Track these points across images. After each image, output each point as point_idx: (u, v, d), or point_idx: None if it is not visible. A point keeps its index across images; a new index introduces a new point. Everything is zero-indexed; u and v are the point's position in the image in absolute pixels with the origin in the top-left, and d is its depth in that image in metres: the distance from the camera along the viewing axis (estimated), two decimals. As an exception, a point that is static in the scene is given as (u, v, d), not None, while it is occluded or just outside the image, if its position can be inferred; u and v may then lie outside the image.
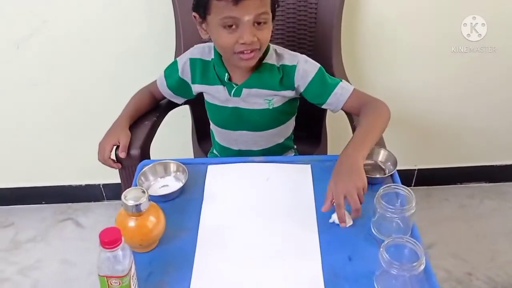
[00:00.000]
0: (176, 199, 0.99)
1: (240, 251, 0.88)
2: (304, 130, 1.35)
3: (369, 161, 1.05)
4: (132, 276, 0.76)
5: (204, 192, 1.00)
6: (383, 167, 1.05)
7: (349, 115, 1.24)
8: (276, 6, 1.08)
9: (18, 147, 1.75)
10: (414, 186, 1.91)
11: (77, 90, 1.63)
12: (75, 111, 1.67)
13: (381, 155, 1.06)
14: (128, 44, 1.54)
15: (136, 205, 0.82)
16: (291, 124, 1.25)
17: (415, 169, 1.88)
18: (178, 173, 1.02)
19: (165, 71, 1.20)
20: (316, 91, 1.12)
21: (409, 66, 1.62)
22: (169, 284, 0.82)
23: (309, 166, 1.06)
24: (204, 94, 1.18)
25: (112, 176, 1.18)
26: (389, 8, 1.50)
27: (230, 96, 1.13)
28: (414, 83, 1.66)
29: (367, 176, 0.99)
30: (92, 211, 1.86)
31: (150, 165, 1.03)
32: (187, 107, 1.42)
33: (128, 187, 0.86)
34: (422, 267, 0.77)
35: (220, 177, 1.04)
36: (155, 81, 1.23)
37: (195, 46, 1.17)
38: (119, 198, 0.83)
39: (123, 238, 0.73)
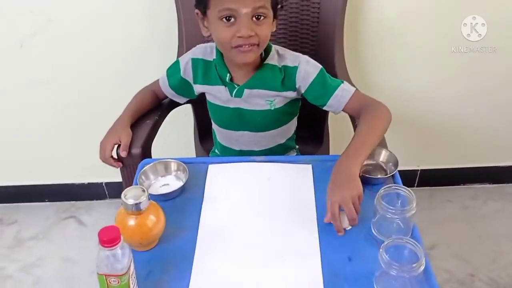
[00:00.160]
0: (177, 198, 0.99)
1: (240, 250, 0.88)
2: (306, 130, 1.35)
3: (371, 161, 1.05)
4: (131, 274, 0.76)
5: (205, 192, 1.00)
6: (384, 167, 1.05)
7: (351, 115, 1.24)
8: (279, 6, 1.08)
9: (22, 145, 1.76)
10: (417, 186, 1.90)
11: (80, 89, 1.63)
12: (79, 110, 1.67)
13: (383, 156, 1.05)
14: (131, 44, 1.54)
15: (136, 204, 0.82)
16: (293, 124, 1.24)
17: (418, 170, 1.87)
18: (178, 172, 1.03)
19: (167, 71, 1.20)
20: (317, 92, 1.11)
21: (412, 66, 1.62)
22: (168, 283, 0.82)
23: (310, 166, 1.06)
24: (206, 94, 1.18)
25: (115, 175, 1.19)
26: (392, 8, 1.49)
27: (232, 96, 1.13)
28: (417, 83, 1.65)
29: (368, 177, 1.00)
30: (95, 209, 1.87)
31: (151, 164, 1.03)
32: (189, 106, 1.42)
33: (130, 186, 0.86)
34: (422, 268, 0.76)
35: (221, 177, 1.04)
36: (158, 80, 1.23)
37: (197, 46, 1.17)
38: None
39: (122, 237, 0.73)
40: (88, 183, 1.87)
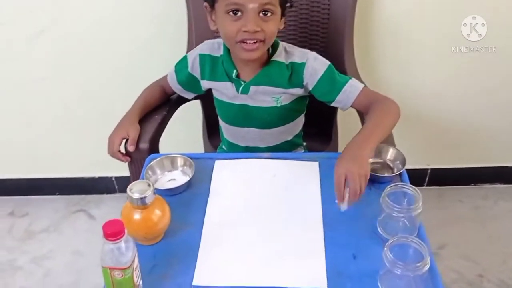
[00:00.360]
0: (183, 193, 0.99)
1: (244, 246, 0.88)
2: (314, 127, 1.34)
3: (378, 160, 1.04)
4: (135, 268, 0.76)
5: (211, 187, 1.00)
6: (392, 165, 1.04)
7: (360, 112, 1.23)
8: (288, 4, 1.07)
9: (33, 140, 1.78)
10: (426, 186, 1.88)
11: (90, 84, 1.64)
12: (89, 105, 1.69)
13: (390, 154, 1.05)
14: (141, 39, 1.55)
15: (141, 198, 0.82)
16: (299, 121, 1.24)
17: (428, 169, 1.86)
18: (185, 167, 1.03)
19: (175, 66, 1.21)
20: (325, 89, 1.11)
21: (423, 63, 1.60)
22: (173, 277, 0.83)
23: (317, 163, 1.05)
24: (213, 90, 1.19)
25: (125, 169, 1.19)
26: (403, 5, 1.48)
27: (238, 93, 1.13)
28: (427, 81, 1.63)
29: (375, 175, 0.99)
30: (104, 203, 1.88)
31: (158, 159, 1.03)
32: (199, 102, 1.42)
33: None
34: (427, 267, 0.76)
35: (227, 173, 1.04)
36: (166, 75, 1.24)
37: (205, 42, 1.17)
38: (131, 191, 0.84)
39: (126, 231, 0.73)
40: (98, 177, 1.88)
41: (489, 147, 1.82)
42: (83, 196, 1.91)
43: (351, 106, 1.12)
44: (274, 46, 1.11)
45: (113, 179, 1.88)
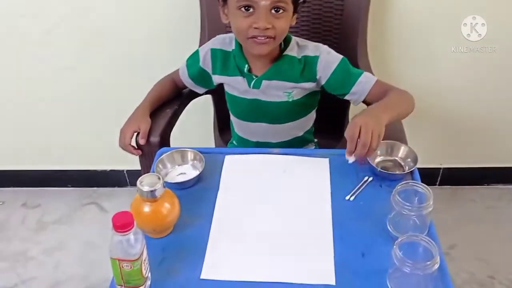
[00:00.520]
0: (192, 187, 0.99)
1: (253, 241, 0.88)
2: (326, 123, 1.33)
3: (389, 157, 1.04)
4: (144, 260, 0.77)
5: (220, 182, 1.00)
6: (403, 163, 1.03)
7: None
8: (301, 1, 1.07)
9: (47, 132, 1.80)
10: (439, 185, 1.86)
11: (103, 78, 1.65)
12: (102, 99, 1.70)
13: (402, 151, 1.03)
14: (154, 34, 1.55)
15: (151, 191, 0.83)
16: (311, 117, 1.24)
17: (440, 168, 1.84)
18: (195, 161, 1.03)
19: (187, 61, 1.21)
20: (339, 81, 1.11)
21: (437, 61, 1.58)
22: (181, 271, 0.83)
23: (327, 159, 1.05)
24: (224, 84, 1.19)
25: (136, 163, 1.20)
26: (418, 2, 1.46)
27: (250, 87, 1.13)
28: (441, 79, 1.61)
29: (386, 172, 0.98)
30: (116, 196, 1.90)
31: (168, 152, 1.04)
32: (210, 97, 1.42)
33: (147, 174, 0.87)
34: (436, 266, 0.75)
35: (237, 167, 1.04)
36: (178, 69, 1.24)
37: (217, 36, 1.17)
38: (142, 184, 0.84)
39: (135, 223, 0.74)
40: (110, 170, 1.90)
41: (503, 146, 1.79)
42: (95, 188, 1.93)
43: (365, 98, 1.11)
44: (287, 41, 1.10)
45: (125, 172, 1.90)
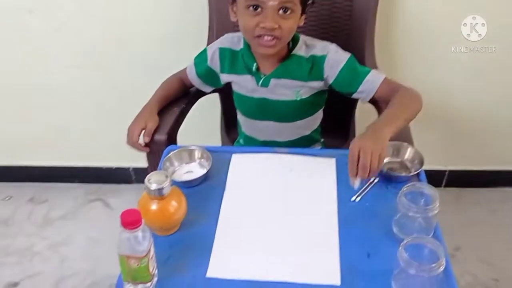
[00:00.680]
0: (199, 185, 1.00)
1: (258, 240, 0.89)
2: (332, 122, 1.33)
3: (396, 159, 1.04)
4: (151, 257, 0.78)
5: (227, 180, 1.01)
6: (409, 165, 1.03)
7: (379, 108, 1.22)
8: (310, 2, 1.07)
9: (54, 128, 1.81)
10: (444, 187, 1.86)
11: (110, 75, 1.66)
12: (108, 96, 1.71)
13: (408, 153, 1.04)
14: (162, 33, 1.56)
15: (159, 189, 0.83)
16: (318, 116, 1.24)
17: (445, 170, 1.83)
18: (202, 160, 1.04)
19: (195, 59, 1.22)
20: (346, 80, 1.11)
21: (445, 62, 1.57)
22: (187, 268, 0.84)
23: (334, 160, 1.05)
24: (232, 83, 1.19)
25: (142, 160, 1.21)
26: (427, 9, 1.46)
27: (258, 85, 1.13)
28: (441, 79, 1.61)
29: (392, 174, 0.98)
30: (121, 193, 1.91)
31: (176, 150, 1.04)
32: (217, 95, 1.43)
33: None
34: (442, 268, 0.75)
35: (244, 166, 1.04)
36: (185, 68, 1.25)
37: (225, 35, 1.18)
38: (148, 181, 0.85)
39: (143, 220, 0.74)
40: (116, 167, 1.91)
41: (507, 149, 1.78)
42: (100, 185, 1.94)
43: (373, 96, 1.11)
44: (294, 40, 1.11)
45: (131, 169, 1.91)
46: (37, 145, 1.87)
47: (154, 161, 1.16)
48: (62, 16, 1.54)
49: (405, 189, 0.87)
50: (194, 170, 1.03)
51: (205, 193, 0.99)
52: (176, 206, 0.87)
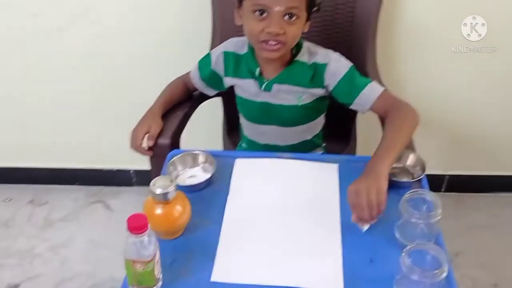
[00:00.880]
0: (203, 190, 1.00)
1: (262, 245, 0.89)
2: (334, 128, 1.34)
3: (398, 165, 1.04)
4: (157, 262, 0.78)
5: (230, 185, 1.01)
6: (411, 171, 1.04)
7: (378, 115, 1.23)
8: (315, 8, 1.08)
9: (56, 130, 1.82)
10: (444, 192, 1.87)
11: (112, 77, 1.67)
12: (110, 98, 1.72)
13: (410, 159, 1.04)
14: (165, 36, 1.57)
15: (164, 193, 0.84)
16: (320, 121, 1.25)
17: (445, 175, 1.84)
18: (206, 164, 1.04)
19: (198, 63, 1.22)
20: (344, 91, 1.12)
21: (445, 62, 1.58)
22: (191, 273, 0.84)
23: (336, 165, 1.06)
24: (235, 87, 1.20)
25: (143, 163, 1.22)
26: (427, 10, 1.47)
27: (261, 90, 1.14)
28: (441, 79, 1.62)
29: (394, 180, 0.99)
30: (122, 195, 1.91)
31: (180, 155, 1.05)
32: (219, 99, 1.43)
33: (157, 175, 0.88)
34: (444, 275, 0.76)
35: (247, 171, 1.05)
36: (189, 72, 1.25)
37: (229, 40, 1.18)
38: (148, 184, 0.86)
39: (149, 225, 0.75)
40: (117, 170, 1.91)
41: (508, 154, 1.79)
42: (101, 187, 1.94)
43: (369, 109, 1.12)
44: (298, 46, 1.12)
45: (131, 171, 1.91)
46: (38, 147, 1.87)
47: (157, 164, 1.16)
48: (66, 18, 1.55)
49: (408, 195, 0.88)
50: (197, 174, 1.03)
51: (209, 197, 0.99)
52: (181, 210, 0.87)
